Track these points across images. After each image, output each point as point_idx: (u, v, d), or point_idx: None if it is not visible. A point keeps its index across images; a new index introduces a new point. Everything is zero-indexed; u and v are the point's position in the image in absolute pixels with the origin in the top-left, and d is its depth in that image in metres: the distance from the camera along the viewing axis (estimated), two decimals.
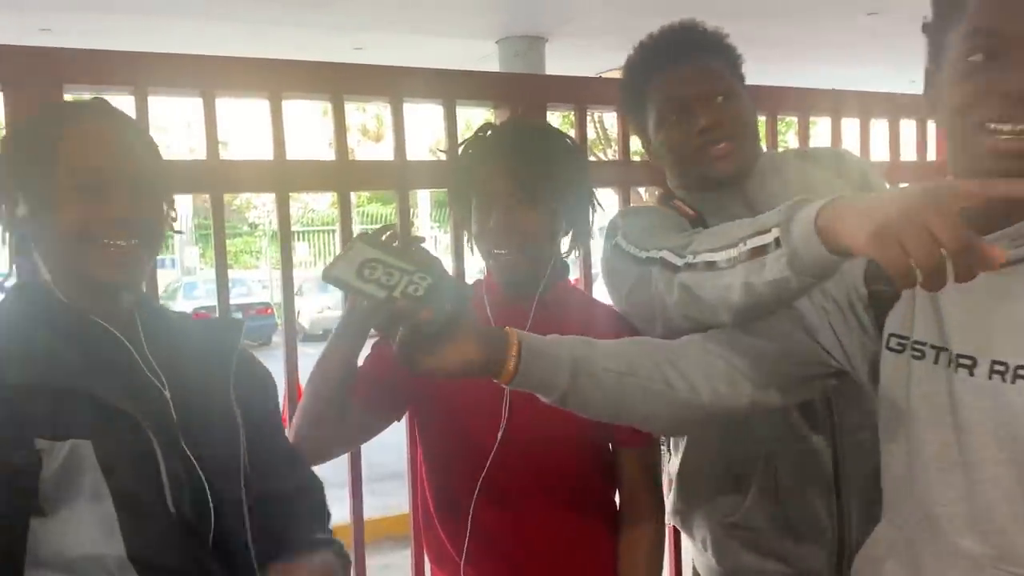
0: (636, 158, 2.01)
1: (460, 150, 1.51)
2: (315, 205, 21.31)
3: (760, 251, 1.04)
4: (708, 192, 1.52)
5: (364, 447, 1.63)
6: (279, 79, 1.63)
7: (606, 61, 8.39)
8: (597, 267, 1.66)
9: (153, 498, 1.04)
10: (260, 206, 21.04)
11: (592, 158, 2.06)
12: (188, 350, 1.18)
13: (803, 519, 1.53)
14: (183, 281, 16.57)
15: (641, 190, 2.42)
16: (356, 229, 1.76)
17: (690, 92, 1.46)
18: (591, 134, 11.24)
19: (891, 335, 1.09)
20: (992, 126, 0.93)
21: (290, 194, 1.69)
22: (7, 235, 1.13)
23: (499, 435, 1.40)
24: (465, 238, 1.54)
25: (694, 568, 1.75)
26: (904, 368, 1.07)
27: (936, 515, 1.05)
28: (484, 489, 1.41)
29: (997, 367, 0.96)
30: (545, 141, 1.46)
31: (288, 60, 1.65)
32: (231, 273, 1.69)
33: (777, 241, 1.01)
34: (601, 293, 1.63)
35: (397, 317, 0.99)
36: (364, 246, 1.01)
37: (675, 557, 2.09)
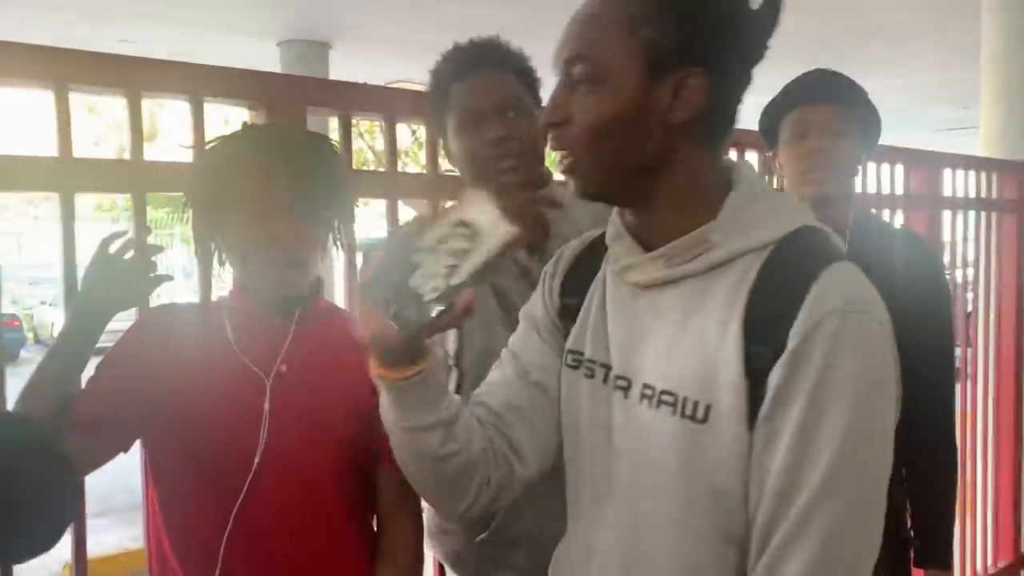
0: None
1: (213, 150, 1.39)
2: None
3: None
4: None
5: (108, 473, 1.44)
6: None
7: (395, 71, 8.35)
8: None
9: None
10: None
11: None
12: None
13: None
14: None
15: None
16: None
17: (485, 103, 1.49)
18: (407, 143, 11.21)
19: (569, 351, 1.09)
20: None
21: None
22: None
23: (255, 464, 1.30)
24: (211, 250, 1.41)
25: None
26: (578, 385, 1.07)
27: (592, 545, 1.05)
28: (236, 529, 1.29)
29: (646, 391, 0.97)
30: (321, 147, 1.40)
31: (3, 41, 1.43)
32: None
33: None
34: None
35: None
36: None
37: None
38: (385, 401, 1.02)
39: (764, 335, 0.88)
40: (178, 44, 6.48)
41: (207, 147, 1.39)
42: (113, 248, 1.33)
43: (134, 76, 1.56)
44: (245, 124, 1.42)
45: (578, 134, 0.95)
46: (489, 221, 0.91)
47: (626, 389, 0.99)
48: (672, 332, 0.95)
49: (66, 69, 1.50)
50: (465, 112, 1.51)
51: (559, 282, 1.14)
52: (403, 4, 6.09)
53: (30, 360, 12.25)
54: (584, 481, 1.07)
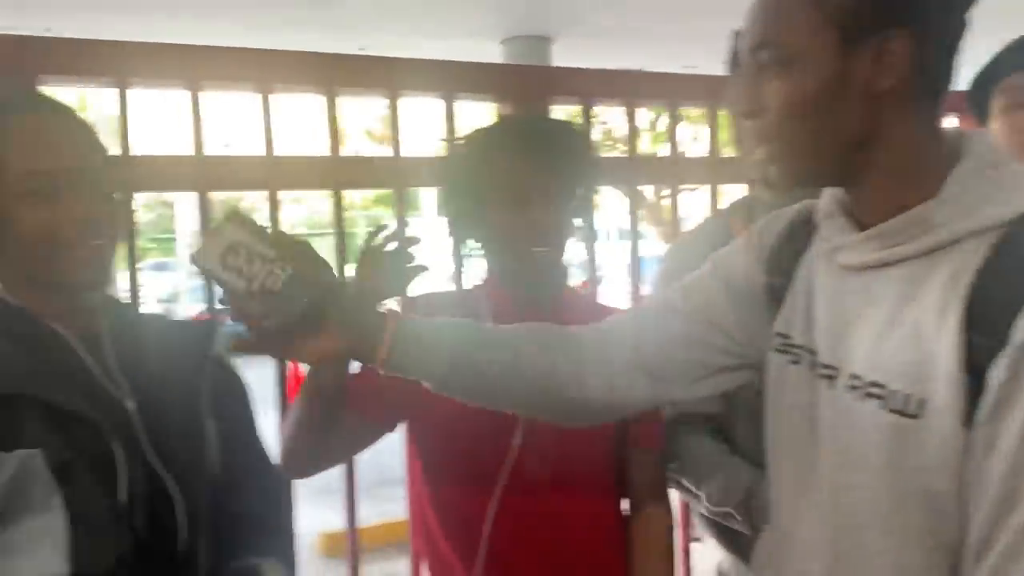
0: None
1: (470, 142, 1.42)
2: (321, 207, 21.28)
3: None
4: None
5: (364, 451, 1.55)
6: (269, 70, 1.55)
7: (614, 62, 8.34)
8: (602, 269, 1.59)
9: (108, 512, 0.99)
10: (261, 209, 21.03)
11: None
12: (159, 355, 1.11)
13: None
14: (187, 284, 16.54)
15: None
16: (360, 232, 1.68)
17: None
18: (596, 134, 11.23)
19: (777, 334, 1.02)
20: None
21: (281, 193, 1.61)
22: None
23: (513, 444, 1.33)
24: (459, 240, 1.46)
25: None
26: (784, 372, 1.00)
27: (793, 539, 0.99)
28: (499, 509, 1.33)
29: (854, 381, 0.89)
30: (570, 135, 1.40)
31: (279, 50, 1.57)
32: None
33: None
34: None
35: (249, 314, 0.95)
36: (232, 228, 0.94)
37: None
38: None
39: (987, 326, 0.79)
40: (406, 50, 6.82)
41: (464, 139, 1.43)
42: (376, 242, 1.40)
43: (391, 75, 1.65)
44: (501, 115, 1.44)
45: (775, 121, 0.90)
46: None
47: (832, 378, 0.92)
48: (885, 319, 0.88)
49: (333, 75, 1.61)
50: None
51: (766, 255, 1.07)
52: None
53: None
54: (786, 473, 1.02)
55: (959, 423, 0.81)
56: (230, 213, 0.96)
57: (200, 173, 1.51)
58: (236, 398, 1.23)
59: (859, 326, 0.90)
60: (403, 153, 1.69)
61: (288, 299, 0.92)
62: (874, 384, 0.87)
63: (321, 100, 1.61)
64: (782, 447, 1.03)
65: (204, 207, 1.55)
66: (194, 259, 0.93)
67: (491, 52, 7.21)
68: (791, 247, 1.04)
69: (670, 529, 1.43)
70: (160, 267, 17.39)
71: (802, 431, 0.97)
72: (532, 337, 1.10)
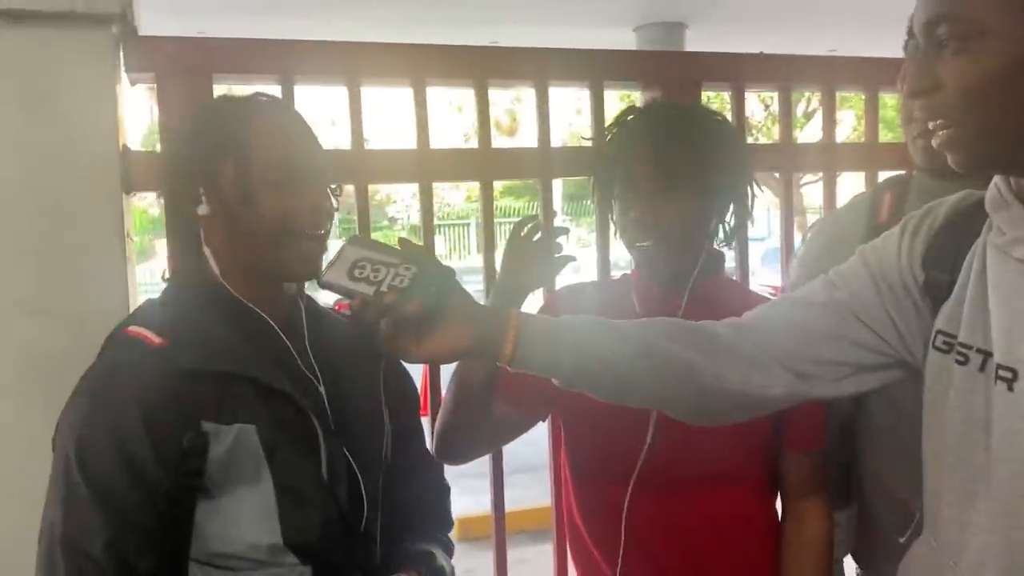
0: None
1: (616, 129, 1.42)
2: (450, 199, 21.71)
3: None
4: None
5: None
6: (422, 65, 1.59)
7: (749, 47, 8.07)
8: (755, 257, 1.55)
9: (312, 486, 1.06)
10: (399, 200, 21.60)
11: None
12: (342, 347, 1.18)
13: None
14: None
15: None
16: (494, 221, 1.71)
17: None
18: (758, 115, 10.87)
19: (939, 331, 0.96)
20: None
21: (432, 188, 1.64)
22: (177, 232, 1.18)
23: (648, 436, 1.32)
24: (612, 230, 1.46)
25: None
26: (947, 372, 0.93)
27: (959, 553, 0.92)
28: (636, 495, 1.33)
29: None
30: (689, 122, 1.37)
31: (431, 45, 1.60)
32: None
33: None
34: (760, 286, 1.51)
35: (384, 310, 0.98)
36: (352, 248, 1.02)
37: None
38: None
39: None
40: (540, 40, 6.84)
41: (613, 123, 1.42)
42: (524, 232, 1.41)
43: (539, 65, 1.65)
44: (632, 106, 1.42)
45: (954, 100, 0.85)
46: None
47: (1010, 381, 0.86)
48: None
49: (482, 67, 1.63)
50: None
51: (922, 249, 1.00)
52: None
53: None
54: (949, 480, 0.95)
55: None
56: (351, 237, 1.05)
57: (358, 166, 1.57)
58: (407, 393, 1.29)
59: None
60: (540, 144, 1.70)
61: (417, 293, 0.97)
62: None
63: (461, 102, 1.64)
64: (946, 453, 0.96)
65: (362, 199, 1.61)
66: (323, 283, 1.00)
67: (624, 40, 7.14)
68: (953, 240, 0.98)
69: (829, 533, 1.38)
70: None
71: (971, 437, 0.91)
72: (661, 330, 1.07)
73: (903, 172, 1.50)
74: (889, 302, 1.01)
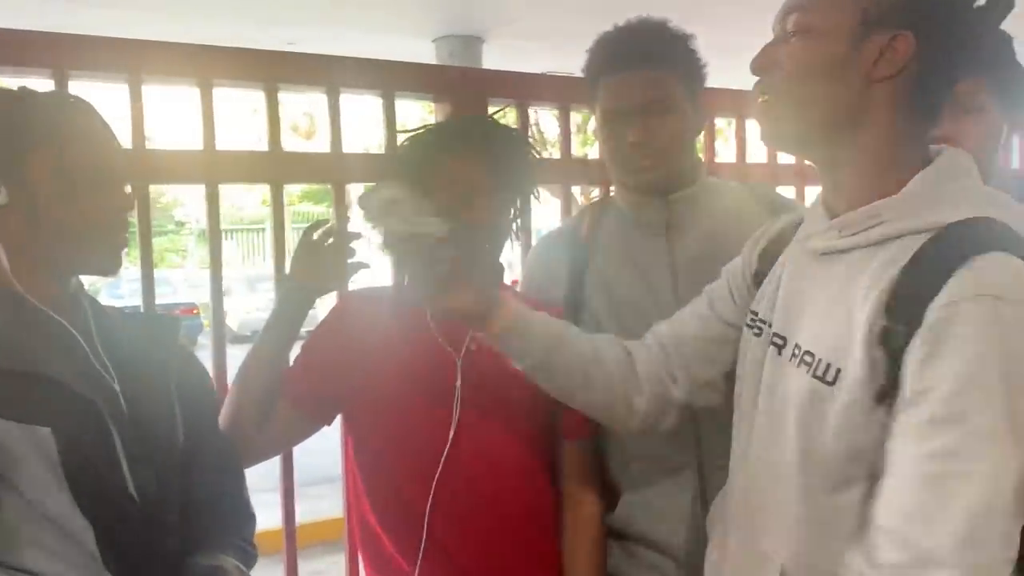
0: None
1: (409, 142, 1.45)
2: (242, 203, 20.86)
3: None
4: (638, 197, 1.52)
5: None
6: (210, 65, 1.56)
7: (543, 64, 8.39)
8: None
9: (106, 470, 1.05)
10: (187, 203, 20.49)
11: None
12: (130, 344, 1.16)
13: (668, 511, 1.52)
14: (104, 281, 16.00)
15: (576, 190, 2.40)
16: (286, 227, 1.70)
17: (626, 104, 1.46)
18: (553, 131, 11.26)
19: (750, 310, 1.15)
20: None
21: (219, 190, 1.61)
22: None
23: (449, 437, 1.36)
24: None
25: None
26: (748, 342, 1.13)
27: (728, 491, 1.14)
28: (437, 496, 1.36)
29: (795, 350, 1.01)
30: (509, 137, 1.45)
31: (220, 47, 1.58)
32: (156, 272, 1.61)
33: None
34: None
35: (416, 256, 1.10)
36: (394, 186, 1.12)
37: None
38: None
39: (903, 312, 0.89)
40: (338, 44, 6.77)
41: (409, 138, 1.45)
42: (316, 236, 1.43)
43: (331, 72, 1.67)
44: (444, 116, 1.48)
45: (781, 78, 1.00)
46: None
47: (780, 347, 1.04)
48: (830, 298, 0.98)
49: (273, 71, 1.63)
50: (607, 112, 1.49)
51: (760, 248, 1.21)
52: None
53: (206, 346, 13.13)
54: (738, 431, 1.14)
55: (863, 395, 0.91)
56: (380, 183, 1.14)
57: (138, 166, 1.51)
58: (200, 386, 1.28)
59: (811, 303, 1.01)
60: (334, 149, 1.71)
61: (451, 248, 1.07)
62: (807, 353, 0.98)
63: (258, 104, 1.63)
64: (739, 407, 1.15)
65: (143, 202, 1.55)
66: (362, 201, 1.07)
67: (423, 50, 7.22)
68: (780, 241, 1.17)
69: (599, 516, 1.48)
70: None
71: (751, 394, 1.09)
72: (602, 343, 1.27)
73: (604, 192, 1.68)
74: (736, 294, 1.22)
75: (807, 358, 0.98)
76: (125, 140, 1.54)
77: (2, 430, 0.97)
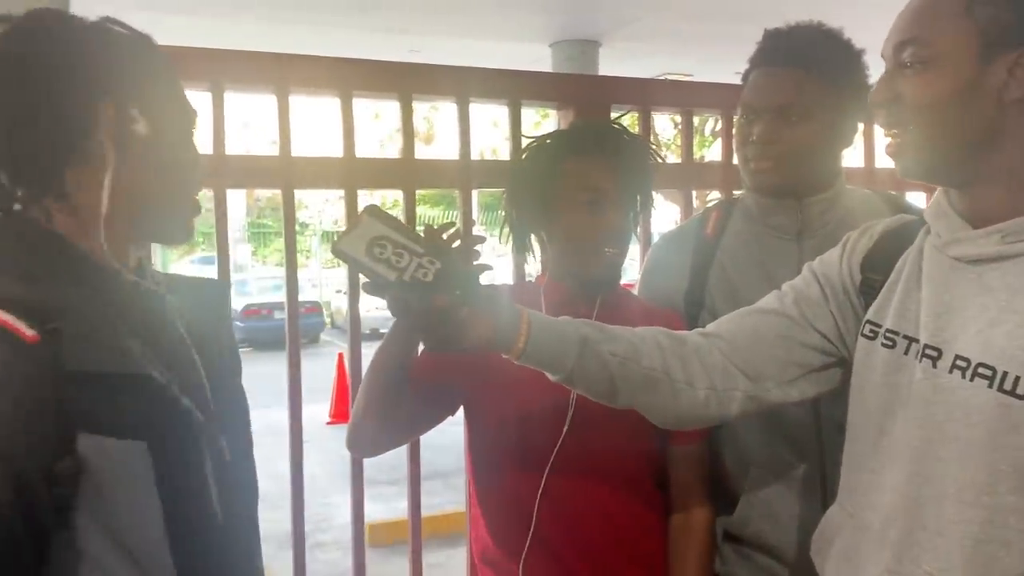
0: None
1: (535, 147, 1.50)
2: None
3: None
4: (770, 199, 1.51)
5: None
6: (350, 78, 1.66)
7: (660, 66, 8.36)
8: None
9: (204, 516, 0.90)
10: (311, 206, 21.31)
11: None
12: (200, 321, 1.01)
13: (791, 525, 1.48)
14: (234, 278, 16.74)
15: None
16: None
17: (759, 101, 1.45)
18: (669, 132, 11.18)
19: (867, 321, 1.10)
20: None
21: (357, 195, 1.71)
22: None
23: (562, 434, 1.39)
24: (530, 238, 1.54)
25: None
26: (874, 355, 1.08)
27: (869, 513, 1.06)
28: (547, 492, 1.39)
29: (959, 362, 0.96)
30: (633, 141, 1.48)
31: (359, 59, 1.68)
32: (279, 271, 1.71)
33: None
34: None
35: (403, 303, 1.00)
36: (373, 221, 0.98)
37: None
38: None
39: None
40: (460, 51, 6.95)
41: (536, 142, 1.49)
42: (443, 238, 1.49)
43: (461, 83, 1.75)
44: (573, 121, 1.52)
45: (909, 112, 0.98)
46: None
47: (934, 359, 0.99)
48: (998, 307, 0.95)
49: (407, 82, 1.71)
50: (743, 105, 1.49)
51: (860, 257, 1.16)
52: None
53: (330, 343, 13.45)
54: (864, 447, 1.09)
55: None
56: (370, 208, 1.00)
57: (285, 172, 1.63)
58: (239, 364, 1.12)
59: (968, 313, 0.98)
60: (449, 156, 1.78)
61: (439, 290, 0.96)
62: (983, 366, 0.94)
63: (378, 110, 1.71)
64: (862, 422, 1.10)
65: (288, 204, 1.67)
66: (338, 250, 0.97)
67: (540, 55, 7.31)
68: (887, 249, 1.13)
69: (710, 524, 1.48)
70: (208, 260, 17.78)
71: (891, 409, 1.04)
72: (649, 336, 1.18)
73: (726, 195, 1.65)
74: (832, 302, 1.16)
75: (983, 371, 0.93)
76: (256, 145, 1.66)
77: (94, 448, 0.80)
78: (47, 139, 0.86)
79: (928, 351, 1.00)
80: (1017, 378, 0.91)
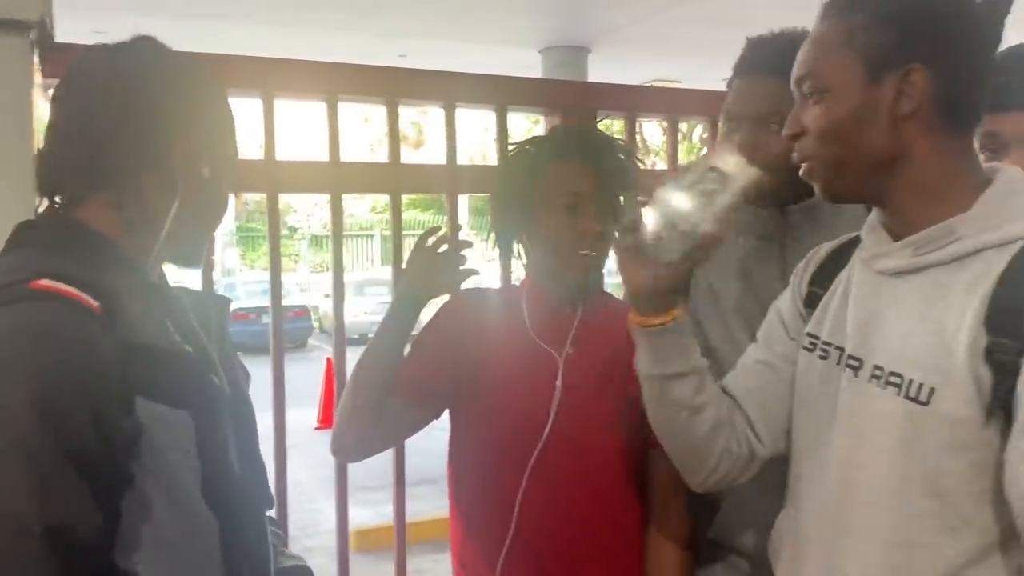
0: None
1: (517, 152, 1.51)
2: (351, 210, 21.53)
3: None
4: (752, 206, 1.51)
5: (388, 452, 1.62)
6: (336, 82, 1.66)
7: (650, 72, 8.39)
8: None
9: (231, 485, 1.00)
10: (299, 209, 21.30)
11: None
12: (209, 327, 1.09)
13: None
14: (222, 283, 16.75)
15: None
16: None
17: (740, 109, 1.45)
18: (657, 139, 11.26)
19: (807, 334, 1.13)
20: None
21: (342, 199, 1.71)
22: None
23: (542, 438, 1.39)
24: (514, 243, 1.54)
25: None
26: (812, 366, 1.11)
27: (804, 517, 1.10)
28: (529, 486, 1.39)
29: (876, 371, 1.00)
30: (614, 146, 1.48)
31: (345, 64, 1.68)
32: (267, 275, 1.71)
33: None
34: None
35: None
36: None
37: None
38: (643, 351, 1.15)
39: (1008, 328, 0.89)
40: (447, 56, 6.96)
41: (517, 148, 1.51)
42: (430, 243, 1.49)
43: (448, 88, 1.75)
44: (554, 127, 1.53)
45: (811, 141, 1.04)
46: (736, 166, 1.05)
47: (856, 368, 1.02)
48: (912, 318, 0.98)
49: (394, 86, 1.72)
50: (724, 113, 1.49)
51: (810, 273, 1.20)
52: (664, 2, 6.10)
53: (318, 347, 13.45)
54: (806, 456, 1.12)
55: (973, 412, 0.91)
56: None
57: (270, 176, 1.63)
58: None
59: (887, 324, 1.01)
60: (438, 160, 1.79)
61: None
62: (893, 374, 0.98)
63: (367, 114, 1.71)
64: (804, 432, 1.13)
65: (273, 209, 1.67)
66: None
67: (530, 60, 7.33)
68: (836, 263, 1.17)
69: (685, 528, 1.47)
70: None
71: (823, 417, 1.07)
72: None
73: None
74: (790, 326, 1.19)
75: (893, 379, 0.97)
76: (258, 152, 1.67)
77: (149, 413, 0.88)
78: (129, 148, 0.95)
79: (851, 361, 1.04)
80: (920, 385, 0.94)
